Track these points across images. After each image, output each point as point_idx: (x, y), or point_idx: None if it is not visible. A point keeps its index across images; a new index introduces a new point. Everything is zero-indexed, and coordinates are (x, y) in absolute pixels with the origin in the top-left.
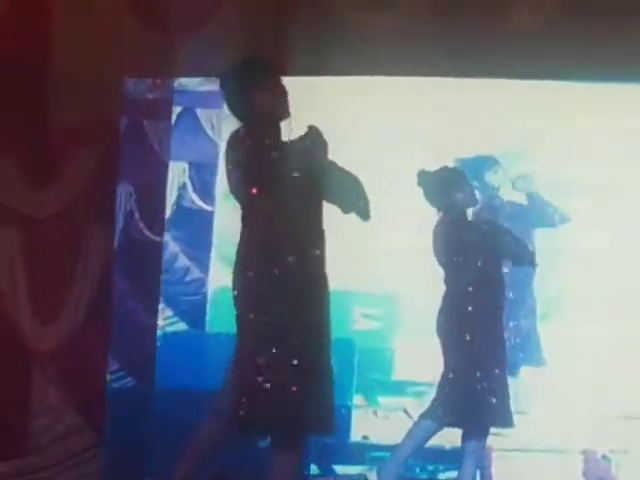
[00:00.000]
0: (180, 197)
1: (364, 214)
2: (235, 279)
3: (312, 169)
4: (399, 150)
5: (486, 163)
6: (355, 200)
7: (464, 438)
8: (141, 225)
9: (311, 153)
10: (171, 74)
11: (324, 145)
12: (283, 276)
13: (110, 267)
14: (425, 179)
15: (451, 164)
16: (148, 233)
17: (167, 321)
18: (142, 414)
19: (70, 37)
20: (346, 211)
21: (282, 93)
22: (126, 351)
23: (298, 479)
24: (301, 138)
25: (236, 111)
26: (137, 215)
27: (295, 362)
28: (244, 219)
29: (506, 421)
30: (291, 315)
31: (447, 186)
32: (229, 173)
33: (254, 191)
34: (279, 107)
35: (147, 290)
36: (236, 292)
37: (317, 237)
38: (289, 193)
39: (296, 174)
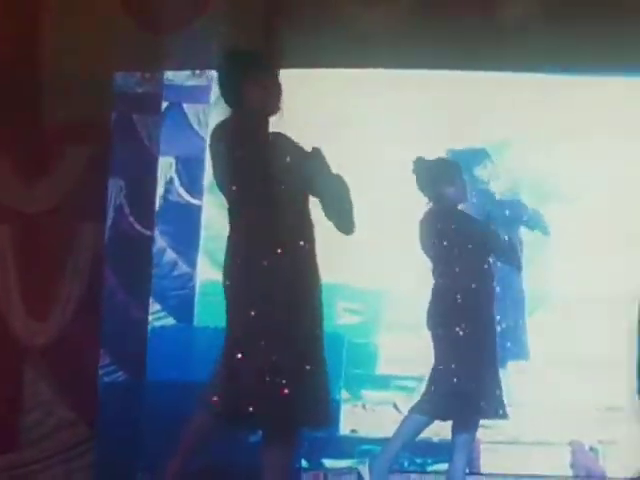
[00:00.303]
0: (167, 191)
1: (346, 230)
2: (225, 270)
3: (306, 181)
4: (387, 142)
5: (477, 156)
6: (340, 216)
7: (454, 431)
8: (131, 219)
9: (309, 173)
10: (161, 68)
11: (325, 168)
12: (272, 268)
13: (101, 262)
14: (421, 167)
15: (443, 155)
16: (138, 227)
17: (155, 315)
18: (134, 408)
19: (60, 33)
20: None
21: (276, 88)
22: (117, 345)
23: (290, 473)
24: (303, 157)
25: (228, 99)
26: (127, 209)
27: (285, 355)
28: (230, 211)
29: (499, 413)
30: (280, 307)
31: (441, 177)
32: (214, 165)
33: (238, 184)
34: (271, 102)
35: (137, 284)
36: (227, 283)
37: (304, 229)
38: (274, 187)
39: (285, 176)
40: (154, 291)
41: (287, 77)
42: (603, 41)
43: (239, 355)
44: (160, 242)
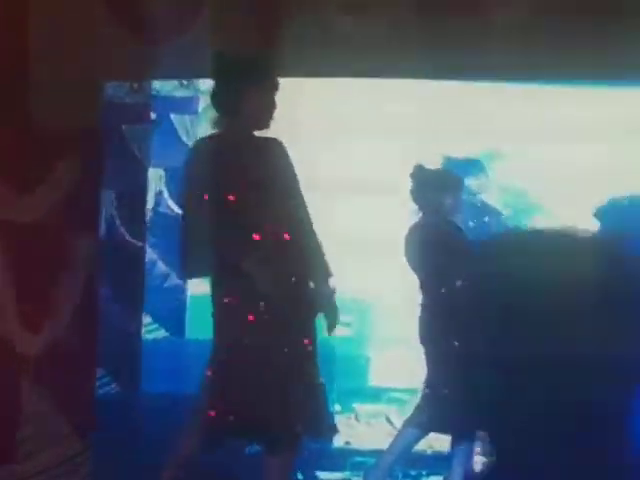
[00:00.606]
0: (157, 204)
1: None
2: (212, 282)
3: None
4: (379, 153)
5: (472, 167)
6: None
7: (452, 443)
8: (122, 230)
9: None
10: (150, 78)
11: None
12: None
13: (95, 274)
14: (421, 175)
15: (439, 163)
16: (129, 238)
17: (147, 327)
18: (128, 419)
19: (49, 44)
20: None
21: (273, 103)
22: (111, 357)
23: None
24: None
25: (227, 107)
26: (118, 221)
27: (281, 365)
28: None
29: None
30: (270, 318)
31: (442, 188)
32: (198, 175)
33: (229, 192)
34: (267, 114)
35: (130, 295)
36: (216, 296)
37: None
38: (265, 194)
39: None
40: (146, 303)
41: (284, 86)
42: (597, 52)
43: (234, 367)
44: (151, 254)
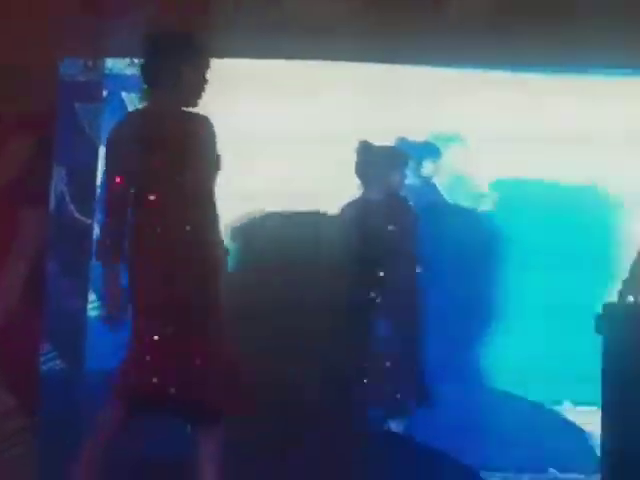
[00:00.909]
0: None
1: None
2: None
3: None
4: (334, 137)
5: (427, 151)
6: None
7: None
8: (71, 207)
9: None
10: (104, 55)
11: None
12: (179, 248)
13: (44, 250)
14: (367, 151)
15: (390, 142)
16: (78, 215)
17: (91, 305)
18: (73, 396)
19: (3, 20)
20: None
21: (205, 80)
22: (57, 333)
23: (221, 463)
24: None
25: (164, 80)
26: (68, 197)
27: (201, 336)
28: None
29: None
30: (192, 287)
31: (392, 165)
32: (128, 151)
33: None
34: (199, 90)
35: (77, 272)
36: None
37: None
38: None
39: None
40: (91, 280)
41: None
42: (558, 39)
43: (154, 338)
44: (97, 231)
